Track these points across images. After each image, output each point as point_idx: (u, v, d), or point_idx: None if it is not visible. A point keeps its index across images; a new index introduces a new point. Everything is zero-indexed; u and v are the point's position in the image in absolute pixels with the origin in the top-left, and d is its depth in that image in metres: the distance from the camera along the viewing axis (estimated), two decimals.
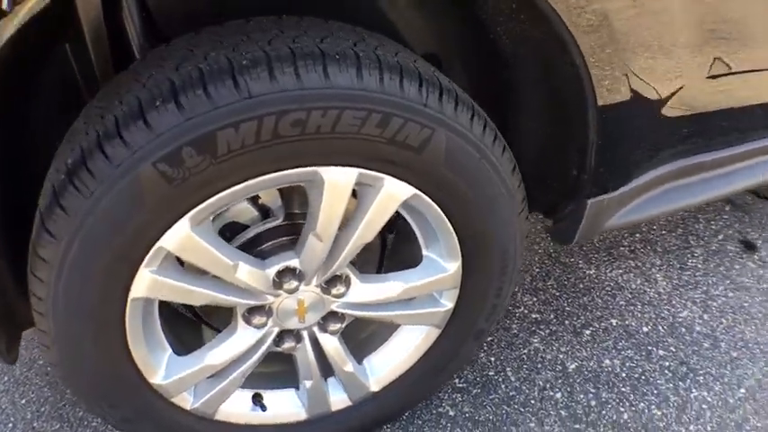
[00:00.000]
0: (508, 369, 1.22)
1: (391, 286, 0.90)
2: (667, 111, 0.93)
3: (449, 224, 0.85)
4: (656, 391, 1.14)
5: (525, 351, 1.25)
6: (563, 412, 1.13)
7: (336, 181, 0.73)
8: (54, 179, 0.68)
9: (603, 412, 1.12)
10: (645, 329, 1.28)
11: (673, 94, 0.92)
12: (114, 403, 0.84)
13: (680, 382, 1.15)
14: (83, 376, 0.80)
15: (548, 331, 1.30)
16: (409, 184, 0.78)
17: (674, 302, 1.33)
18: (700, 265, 1.43)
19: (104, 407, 0.85)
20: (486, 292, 0.96)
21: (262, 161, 0.68)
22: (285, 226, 0.85)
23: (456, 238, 0.87)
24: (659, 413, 1.10)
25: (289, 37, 0.69)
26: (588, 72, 0.81)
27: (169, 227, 0.69)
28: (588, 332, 1.29)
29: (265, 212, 0.85)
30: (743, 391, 1.10)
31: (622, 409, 1.12)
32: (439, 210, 0.83)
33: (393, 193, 0.78)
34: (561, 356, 1.24)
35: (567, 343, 1.27)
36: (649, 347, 1.23)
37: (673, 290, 1.37)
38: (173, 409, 0.88)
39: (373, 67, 0.69)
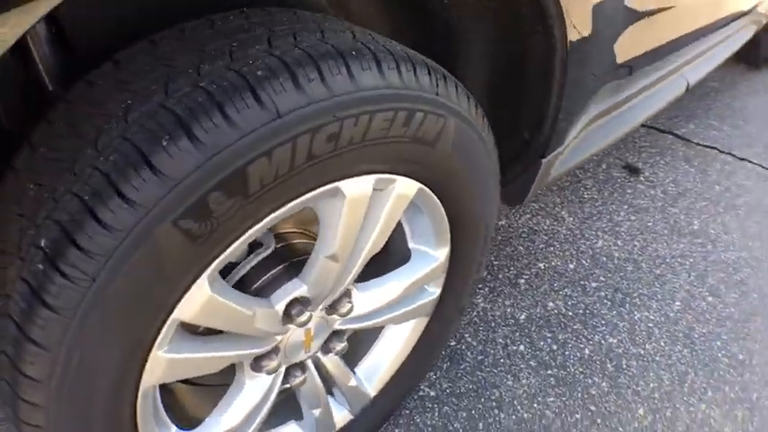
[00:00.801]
0: (466, 335, 1.24)
1: (390, 288, 0.85)
2: (619, 57, 0.97)
3: (443, 212, 0.81)
4: (603, 322, 1.24)
5: (474, 314, 1.28)
6: (532, 362, 1.18)
7: (357, 193, 0.66)
8: (24, 273, 0.51)
9: (567, 353, 1.19)
10: (571, 266, 1.37)
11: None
12: None
13: (621, 308, 1.26)
14: None
15: (487, 289, 1.34)
16: (417, 180, 0.72)
17: (586, 235, 1.45)
18: (596, 196, 1.56)
19: None
20: (470, 270, 0.95)
21: (290, 189, 0.58)
22: (278, 251, 0.75)
23: (448, 225, 0.84)
24: (614, 341, 1.20)
25: (286, 35, 0.59)
26: (564, 24, 0.80)
27: (185, 293, 0.57)
28: (523, 281, 1.35)
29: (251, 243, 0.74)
30: (678, 303, 1.24)
31: (582, 345, 1.20)
32: (437, 199, 0.79)
33: (403, 193, 0.72)
34: (509, 310, 1.28)
35: (509, 295, 1.32)
36: (582, 282, 1.33)
37: (581, 223, 1.48)
38: None
39: (389, 60, 0.62)
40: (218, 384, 0.79)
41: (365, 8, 0.87)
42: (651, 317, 1.23)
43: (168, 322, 0.57)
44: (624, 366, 1.16)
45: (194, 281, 0.57)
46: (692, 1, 1.38)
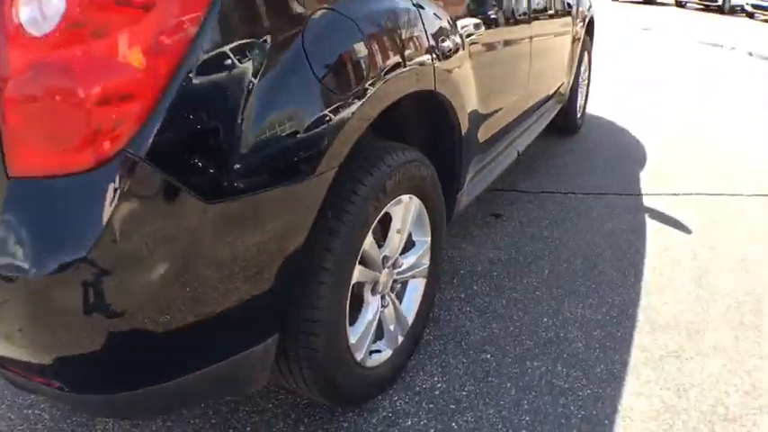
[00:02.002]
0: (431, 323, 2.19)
1: (411, 258, 1.82)
2: (480, 140, 2.09)
3: (427, 215, 1.82)
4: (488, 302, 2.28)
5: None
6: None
7: (404, 202, 1.65)
8: None
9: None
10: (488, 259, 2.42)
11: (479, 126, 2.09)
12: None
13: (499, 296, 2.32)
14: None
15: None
16: (418, 197, 1.73)
17: (479, 252, 2.52)
18: (477, 231, 2.67)
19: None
20: (441, 251, 1.95)
21: (391, 195, 1.56)
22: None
23: (429, 224, 1.84)
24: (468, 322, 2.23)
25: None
26: (460, 129, 1.89)
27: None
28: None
29: None
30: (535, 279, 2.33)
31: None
32: (425, 208, 1.79)
33: (416, 202, 1.72)
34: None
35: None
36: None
37: (473, 245, 2.57)
38: (353, 363, 1.60)
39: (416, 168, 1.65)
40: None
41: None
42: (518, 296, 2.30)
43: (360, 252, 1.50)
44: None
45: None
46: (513, 99, 2.59)
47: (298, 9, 1.22)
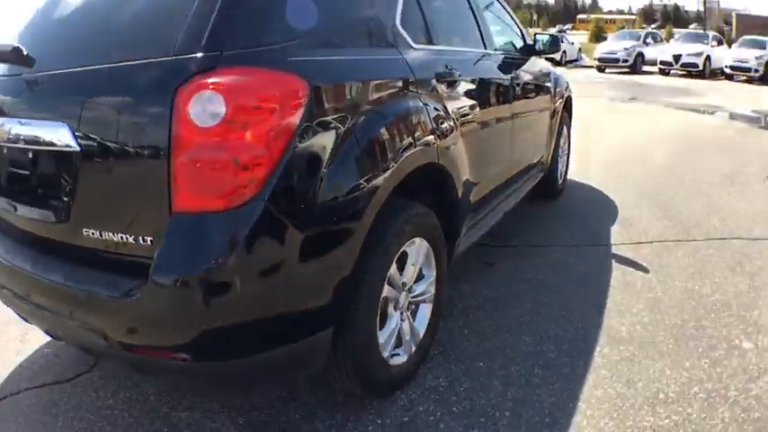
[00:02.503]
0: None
1: (421, 286, 2.46)
2: (472, 201, 2.78)
3: (433, 254, 2.48)
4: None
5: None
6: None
7: (417, 243, 2.32)
8: None
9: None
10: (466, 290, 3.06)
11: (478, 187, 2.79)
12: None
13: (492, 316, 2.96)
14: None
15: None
16: (425, 240, 2.39)
17: (471, 288, 3.17)
18: (473, 277, 3.32)
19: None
20: (443, 282, 2.60)
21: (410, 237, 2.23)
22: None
23: (434, 260, 2.50)
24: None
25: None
26: (456, 191, 2.58)
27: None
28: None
29: None
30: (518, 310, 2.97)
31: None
32: (431, 248, 2.45)
33: (425, 244, 2.39)
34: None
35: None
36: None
37: (471, 286, 3.21)
38: (381, 360, 2.22)
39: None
40: None
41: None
42: (506, 322, 2.94)
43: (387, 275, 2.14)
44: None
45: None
46: (498, 169, 3.30)
47: (350, 110, 1.93)
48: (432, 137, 2.37)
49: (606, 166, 6.42)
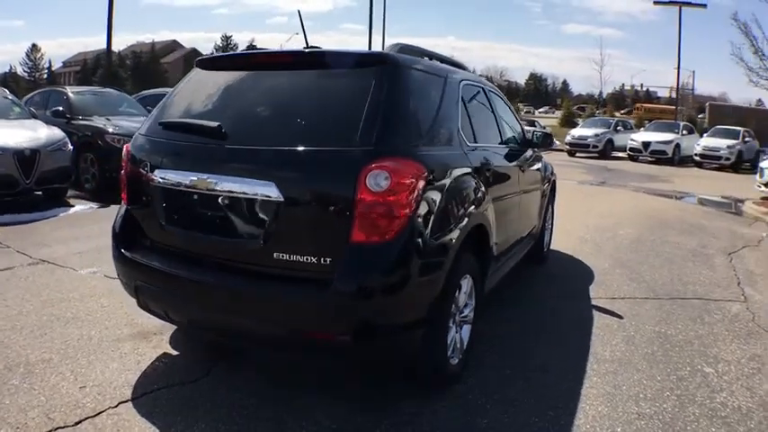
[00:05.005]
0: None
1: (466, 310, 3.60)
2: (496, 252, 3.98)
3: (474, 287, 3.63)
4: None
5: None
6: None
7: (468, 279, 3.48)
8: None
9: None
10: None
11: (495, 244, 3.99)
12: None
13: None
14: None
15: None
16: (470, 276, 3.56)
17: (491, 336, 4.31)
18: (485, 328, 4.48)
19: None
20: (479, 308, 3.74)
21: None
22: None
23: (474, 292, 3.65)
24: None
25: None
26: (489, 245, 3.78)
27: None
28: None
29: None
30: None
31: None
32: (473, 283, 3.61)
33: (470, 281, 3.54)
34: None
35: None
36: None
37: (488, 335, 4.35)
38: (447, 360, 3.32)
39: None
40: None
41: None
42: (512, 343, 4.08)
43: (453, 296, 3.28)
44: None
45: None
46: (511, 232, 4.56)
47: (443, 185, 3.12)
48: (481, 206, 3.59)
49: (581, 240, 7.71)
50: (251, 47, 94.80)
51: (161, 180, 3.15)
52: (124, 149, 3.51)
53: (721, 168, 21.89)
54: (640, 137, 24.70)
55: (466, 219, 3.30)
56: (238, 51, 3.55)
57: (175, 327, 3.97)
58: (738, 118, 32.42)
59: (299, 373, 3.60)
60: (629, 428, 3.12)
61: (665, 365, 3.92)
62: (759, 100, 66.58)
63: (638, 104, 70.45)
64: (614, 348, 4.15)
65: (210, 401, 3.17)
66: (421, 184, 2.87)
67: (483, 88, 4.60)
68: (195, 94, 3.49)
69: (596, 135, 25.05)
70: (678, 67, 36.68)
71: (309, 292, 2.76)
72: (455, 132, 3.56)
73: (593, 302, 5.17)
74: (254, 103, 3.24)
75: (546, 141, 5.64)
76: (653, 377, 3.74)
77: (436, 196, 3.02)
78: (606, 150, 24.79)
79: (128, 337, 3.94)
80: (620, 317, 4.82)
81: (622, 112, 60.13)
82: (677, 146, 23.41)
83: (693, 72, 45.71)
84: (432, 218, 2.96)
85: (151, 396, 3.20)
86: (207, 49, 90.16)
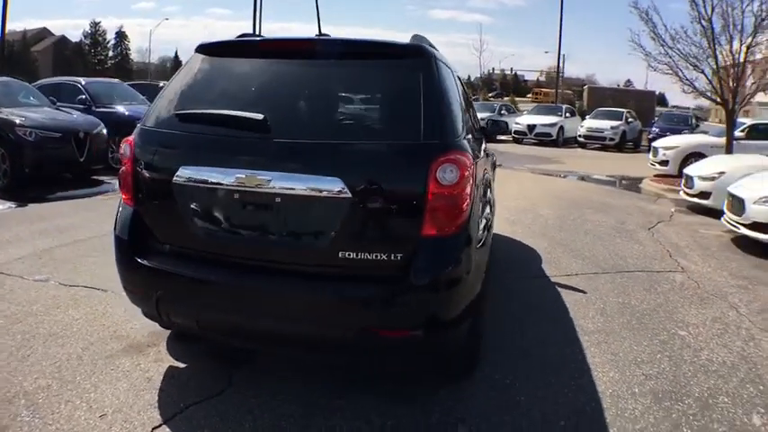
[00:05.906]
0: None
1: None
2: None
3: None
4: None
5: None
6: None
7: None
8: None
9: None
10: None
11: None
12: None
13: None
14: None
15: None
16: None
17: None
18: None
19: None
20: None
21: None
22: None
23: None
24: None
25: None
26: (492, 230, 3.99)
27: None
28: None
29: None
30: None
31: None
32: None
33: None
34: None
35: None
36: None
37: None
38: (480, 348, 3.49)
39: None
40: None
41: None
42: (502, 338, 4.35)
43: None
44: None
45: None
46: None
47: (478, 173, 3.28)
48: (489, 193, 3.81)
49: (510, 221, 8.11)
50: (120, 33, 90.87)
51: (187, 178, 2.91)
52: (127, 144, 3.15)
53: (604, 148, 23.62)
54: (525, 120, 26.02)
55: (488, 206, 3.48)
56: (256, 37, 3.49)
57: (167, 336, 3.83)
58: (618, 100, 34.84)
59: (317, 374, 3.48)
60: (644, 389, 3.44)
61: (644, 332, 4.32)
62: (628, 80, 71.88)
63: (536, 90, 74.40)
64: (594, 321, 4.49)
65: (249, 413, 3.02)
66: (473, 174, 2.97)
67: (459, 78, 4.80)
68: (210, 83, 3.21)
69: (482, 119, 26.03)
70: (559, 51, 38.54)
71: (385, 288, 2.74)
72: (466, 122, 3.69)
73: (553, 280, 5.54)
74: (288, 94, 3.11)
75: (495, 126, 5.97)
76: (640, 343, 4.11)
77: (476, 187, 3.11)
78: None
79: (121, 353, 3.63)
80: (583, 291, 5.20)
81: (491, 95, 62.68)
82: (561, 128, 24.89)
83: (563, 55, 48.11)
84: (477, 209, 3.10)
85: (184, 416, 2.98)
86: (75, 36, 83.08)
